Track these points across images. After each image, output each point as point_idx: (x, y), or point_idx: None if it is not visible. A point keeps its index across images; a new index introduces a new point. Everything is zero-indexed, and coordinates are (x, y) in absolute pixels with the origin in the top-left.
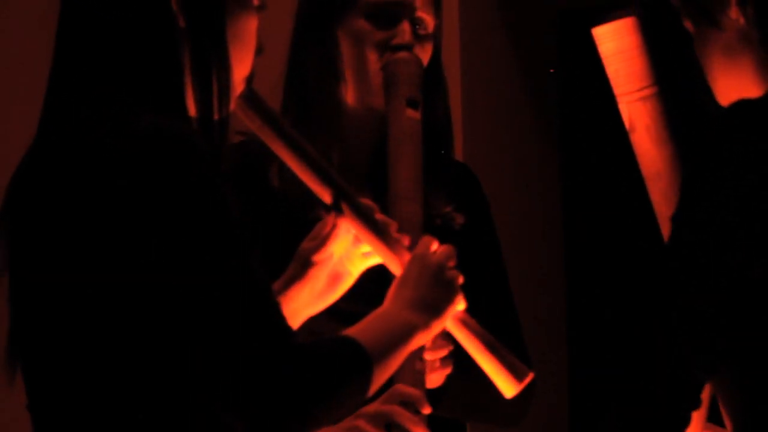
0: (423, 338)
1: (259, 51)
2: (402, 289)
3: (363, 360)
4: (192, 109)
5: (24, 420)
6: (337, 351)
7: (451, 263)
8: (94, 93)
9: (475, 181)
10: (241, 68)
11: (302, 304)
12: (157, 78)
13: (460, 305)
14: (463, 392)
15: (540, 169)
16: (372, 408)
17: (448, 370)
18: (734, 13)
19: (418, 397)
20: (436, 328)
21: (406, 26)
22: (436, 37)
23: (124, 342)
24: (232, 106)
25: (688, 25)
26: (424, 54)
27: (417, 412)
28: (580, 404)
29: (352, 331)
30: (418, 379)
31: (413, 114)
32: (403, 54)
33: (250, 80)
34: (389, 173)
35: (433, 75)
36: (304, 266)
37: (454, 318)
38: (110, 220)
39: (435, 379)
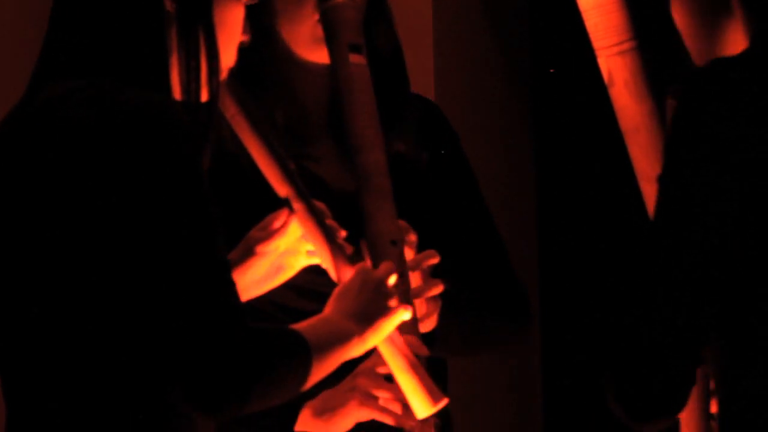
0: (358, 347)
1: (245, 42)
2: (342, 299)
3: (304, 349)
4: (176, 92)
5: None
6: (281, 336)
7: (391, 279)
8: (80, 71)
9: (440, 116)
10: (225, 56)
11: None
12: (142, 60)
13: (394, 321)
14: (456, 330)
15: (513, 128)
16: (370, 363)
17: (436, 311)
18: None
19: (413, 343)
20: (370, 339)
21: None
22: None
23: (86, 310)
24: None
25: None
26: None
27: (415, 356)
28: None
29: (296, 326)
30: (411, 326)
31: (357, 59)
32: (336, 1)
33: (229, 69)
34: (345, 124)
35: (374, 8)
36: (246, 254)
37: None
38: (84, 188)
39: (428, 322)
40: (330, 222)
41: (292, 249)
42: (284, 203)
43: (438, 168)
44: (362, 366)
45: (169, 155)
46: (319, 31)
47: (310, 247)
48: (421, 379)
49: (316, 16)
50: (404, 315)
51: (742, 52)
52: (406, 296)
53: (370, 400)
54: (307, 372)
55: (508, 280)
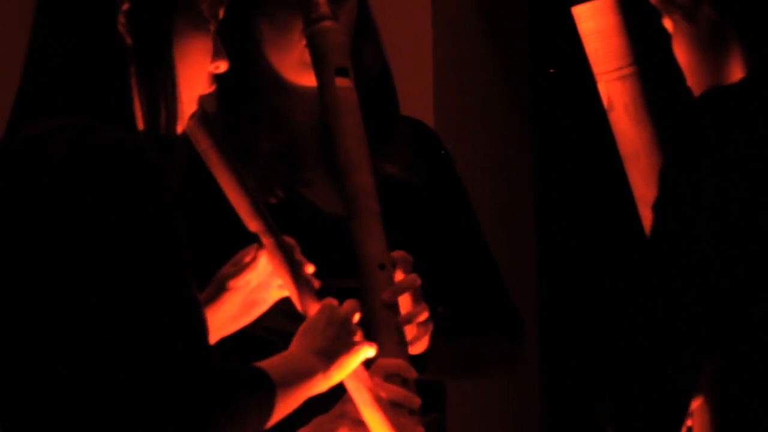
0: (322, 383)
1: (220, 66)
2: (307, 336)
3: (268, 385)
4: (141, 126)
5: None
6: (244, 373)
7: (355, 318)
8: (55, 110)
9: (432, 136)
10: (191, 87)
11: (214, 326)
12: (105, 96)
13: (359, 357)
14: (449, 353)
15: (512, 150)
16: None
17: (427, 334)
18: (707, 8)
19: (402, 366)
20: (334, 375)
21: None
22: None
23: (56, 342)
24: (182, 124)
25: (664, 20)
26: (348, 13)
27: (404, 381)
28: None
29: (261, 363)
30: (401, 350)
31: (344, 82)
32: (321, 25)
33: (202, 101)
34: (333, 146)
35: (363, 27)
36: (219, 290)
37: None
38: (55, 228)
39: (418, 345)
40: (299, 257)
41: (263, 283)
42: (255, 238)
43: (431, 189)
44: (370, 370)
45: (139, 196)
46: (307, 56)
47: (280, 280)
48: (386, 414)
49: (304, 41)
50: (368, 352)
51: (740, 81)
52: (394, 318)
53: (360, 426)
54: (270, 408)
55: (502, 302)
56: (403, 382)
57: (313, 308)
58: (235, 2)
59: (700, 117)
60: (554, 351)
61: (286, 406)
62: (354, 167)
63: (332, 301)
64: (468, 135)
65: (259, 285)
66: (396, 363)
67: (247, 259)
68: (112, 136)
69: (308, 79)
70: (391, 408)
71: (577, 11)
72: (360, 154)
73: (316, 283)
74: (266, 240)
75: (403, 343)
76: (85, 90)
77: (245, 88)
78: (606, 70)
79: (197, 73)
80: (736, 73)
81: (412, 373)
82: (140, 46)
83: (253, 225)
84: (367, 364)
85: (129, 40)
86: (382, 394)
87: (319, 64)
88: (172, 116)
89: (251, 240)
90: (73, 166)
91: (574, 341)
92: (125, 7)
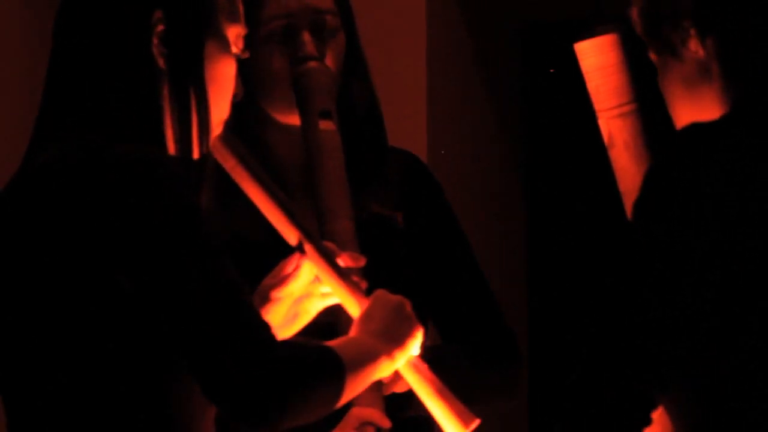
0: (387, 367)
1: (237, 95)
2: (367, 322)
3: (338, 365)
4: (171, 148)
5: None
6: (315, 352)
7: (408, 305)
8: (78, 128)
9: (421, 168)
10: (218, 110)
11: None
12: (137, 117)
13: (418, 341)
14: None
15: (504, 179)
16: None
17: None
18: (694, 45)
19: (375, 416)
20: (398, 358)
21: (306, 37)
22: (347, 25)
23: (103, 363)
24: (209, 146)
25: (651, 55)
26: (336, 50)
27: (378, 431)
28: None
29: (328, 343)
30: (374, 396)
31: (327, 125)
32: (307, 66)
33: (226, 121)
34: (315, 189)
35: (352, 64)
36: (262, 302)
37: (407, 362)
38: (87, 238)
39: (402, 383)
40: (340, 260)
41: (306, 293)
42: (291, 249)
43: (421, 223)
44: (342, 422)
45: (170, 203)
46: (293, 94)
47: (323, 288)
48: (450, 403)
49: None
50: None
51: (720, 118)
52: None
53: None
54: (341, 388)
55: (498, 331)
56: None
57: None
58: None
59: (677, 151)
60: (543, 363)
61: (354, 387)
62: (333, 214)
63: (383, 291)
64: (459, 158)
65: (302, 295)
66: (370, 412)
67: (288, 268)
68: (131, 151)
69: (295, 118)
70: (453, 396)
71: (580, 48)
72: (340, 200)
73: (364, 284)
74: (307, 247)
75: (378, 391)
76: (118, 111)
77: (237, 124)
78: (607, 107)
79: (224, 97)
80: (718, 109)
81: (386, 423)
82: (175, 68)
83: (291, 234)
84: (343, 411)
85: (162, 63)
86: None
87: (303, 105)
88: (205, 138)
89: (287, 252)
90: (101, 178)
91: (563, 353)
92: (159, 29)
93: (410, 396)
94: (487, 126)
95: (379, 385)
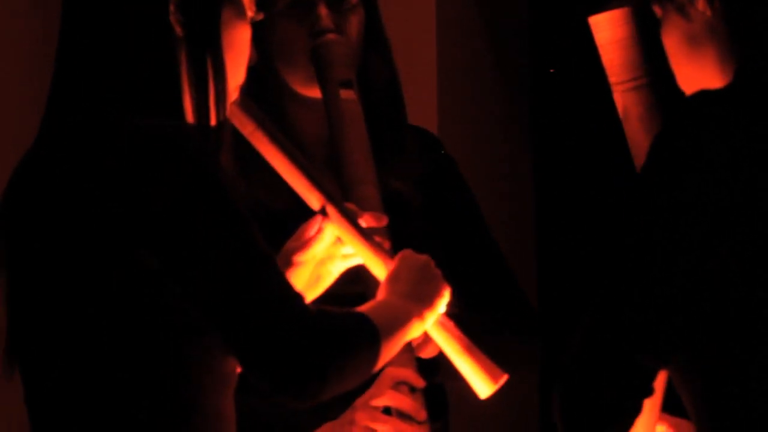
0: (418, 327)
1: (252, 59)
2: (394, 284)
3: (374, 332)
4: (189, 115)
5: (22, 413)
6: (351, 321)
7: (433, 264)
8: (94, 100)
9: (436, 143)
10: (235, 76)
11: None
12: (155, 86)
13: (446, 299)
14: None
15: (513, 156)
16: (366, 396)
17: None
18: (701, 5)
19: (409, 375)
20: (428, 318)
21: (321, 10)
22: (368, 1)
23: (126, 340)
24: (227, 112)
25: (656, 9)
26: (355, 25)
27: (412, 390)
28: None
29: (360, 309)
30: (407, 356)
31: (348, 95)
32: (325, 38)
33: (242, 87)
34: (339, 159)
35: (372, 38)
36: (284, 266)
37: (434, 321)
38: (110, 214)
39: (430, 349)
40: (362, 221)
41: (328, 255)
42: (310, 216)
43: (437, 198)
44: (360, 400)
45: (196, 175)
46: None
47: (346, 250)
48: (478, 360)
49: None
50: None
51: (727, 86)
52: None
53: None
54: (377, 354)
55: (518, 301)
56: (411, 391)
57: (389, 267)
58: None
59: (682, 123)
60: (554, 352)
61: (389, 351)
62: (359, 181)
63: (410, 251)
64: (469, 140)
65: (324, 258)
66: (404, 372)
67: (311, 231)
68: (153, 122)
69: (315, 91)
70: (481, 353)
71: (594, 21)
72: (365, 168)
73: (386, 243)
74: (330, 209)
75: (411, 352)
76: (137, 80)
77: (257, 97)
78: (621, 80)
79: (241, 63)
80: (721, 69)
81: (420, 383)
82: (192, 35)
83: (313, 198)
84: (377, 372)
85: (180, 30)
86: (389, 404)
87: (322, 76)
88: (223, 104)
89: (306, 218)
90: (123, 154)
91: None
92: None
93: (438, 362)
94: (496, 99)
95: (410, 346)
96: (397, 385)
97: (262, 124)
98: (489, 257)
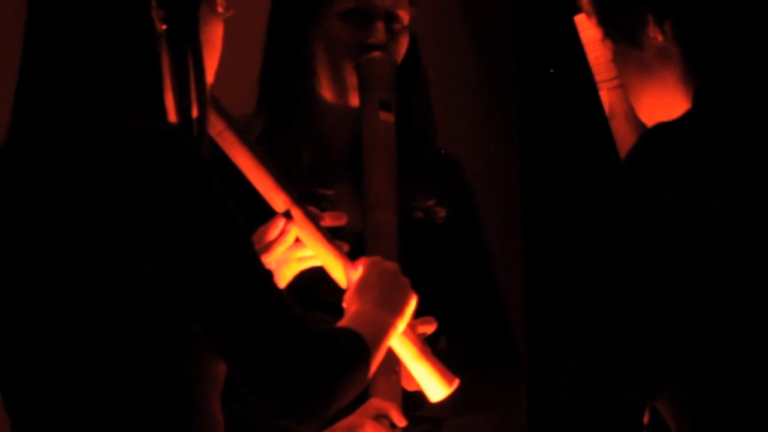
0: (393, 336)
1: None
2: (365, 292)
3: (366, 347)
4: (170, 111)
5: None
6: (344, 338)
7: (400, 272)
8: (70, 98)
9: (457, 171)
10: (210, 73)
11: None
12: (135, 81)
13: (413, 307)
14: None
15: (500, 155)
16: (347, 422)
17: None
18: (652, 31)
19: (392, 410)
20: (399, 326)
21: (379, 26)
22: (412, 29)
23: (118, 345)
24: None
25: (607, 43)
26: (400, 48)
27: (393, 426)
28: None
29: (343, 324)
30: (394, 392)
31: (386, 117)
32: (375, 54)
33: (211, 86)
34: (364, 179)
35: (411, 66)
36: None
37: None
38: (99, 219)
39: (414, 382)
40: (324, 224)
41: (283, 259)
42: (276, 214)
43: (452, 225)
44: (341, 424)
45: (186, 178)
46: (354, 78)
47: (301, 253)
48: (433, 364)
49: (352, 65)
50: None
51: (684, 115)
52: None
53: None
54: (370, 368)
55: (505, 339)
56: (392, 427)
57: (349, 271)
58: (292, 12)
59: (643, 159)
60: (541, 362)
61: (376, 364)
62: (380, 206)
63: (377, 257)
64: (457, 139)
65: (279, 261)
66: (389, 407)
67: (272, 234)
68: (141, 123)
69: (349, 101)
70: (436, 358)
71: (579, 19)
72: (388, 193)
73: (346, 247)
74: (295, 211)
75: (397, 387)
76: (117, 77)
77: (295, 96)
78: (607, 78)
79: (214, 59)
80: (681, 92)
81: (402, 422)
82: (174, 31)
83: (278, 200)
84: (359, 402)
85: (160, 26)
86: (368, 430)
87: (365, 92)
88: (204, 101)
89: (268, 216)
90: (112, 157)
91: (561, 355)
92: None
93: (422, 395)
94: (481, 100)
95: (398, 380)
96: (379, 417)
97: (231, 125)
98: (486, 291)
